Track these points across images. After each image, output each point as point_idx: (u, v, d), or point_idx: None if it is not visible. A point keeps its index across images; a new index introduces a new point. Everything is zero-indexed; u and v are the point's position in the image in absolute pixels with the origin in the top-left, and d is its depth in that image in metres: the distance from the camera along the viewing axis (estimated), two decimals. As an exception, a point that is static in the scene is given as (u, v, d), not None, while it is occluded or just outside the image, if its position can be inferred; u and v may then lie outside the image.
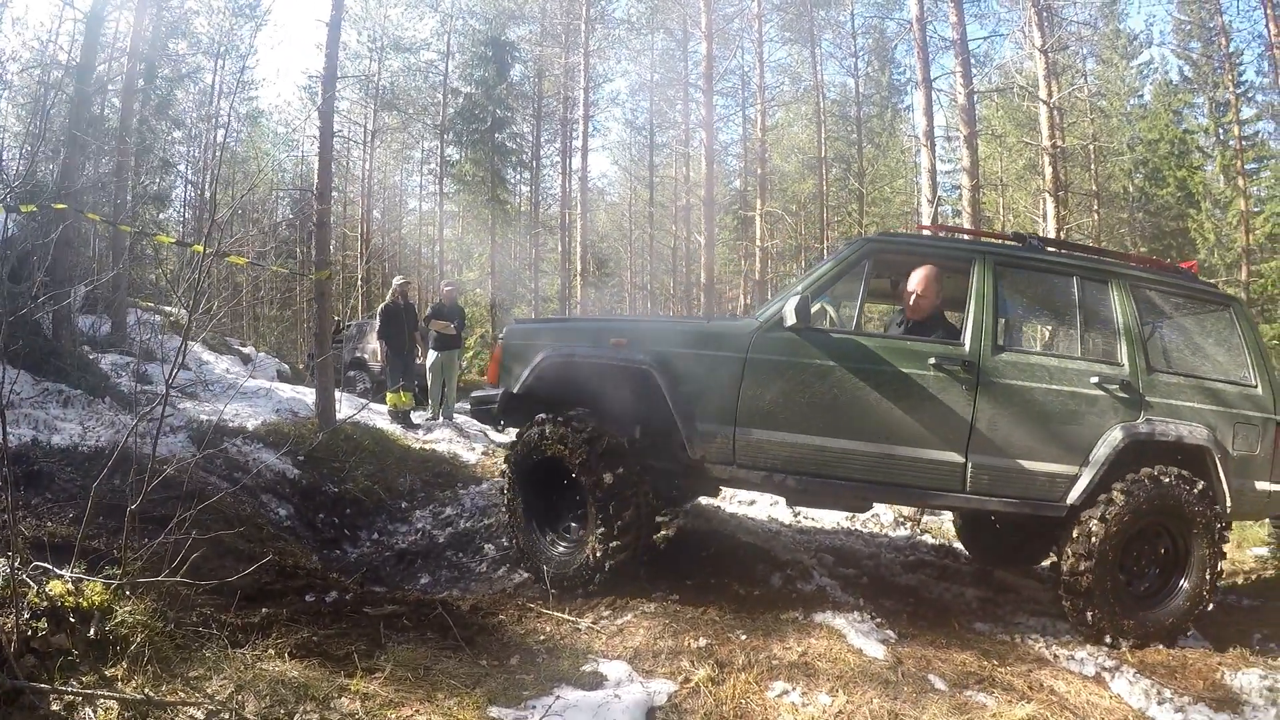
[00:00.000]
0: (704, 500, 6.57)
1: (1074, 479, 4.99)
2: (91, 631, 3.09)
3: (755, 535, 6.30)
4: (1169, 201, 27.26)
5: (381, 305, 12.31)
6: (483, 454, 10.35)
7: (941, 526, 8.19)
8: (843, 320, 6.35)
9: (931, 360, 4.91)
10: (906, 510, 8.25)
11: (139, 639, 3.11)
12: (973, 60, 17.71)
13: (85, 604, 3.17)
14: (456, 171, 29.36)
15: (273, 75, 72.02)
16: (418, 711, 3.10)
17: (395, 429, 10.64)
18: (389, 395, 11.42)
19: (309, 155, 32.36)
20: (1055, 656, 4.82)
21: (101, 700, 2.81)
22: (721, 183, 34.34)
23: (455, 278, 26.76)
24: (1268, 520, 7.47)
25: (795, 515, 7.89)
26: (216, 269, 18.64)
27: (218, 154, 28.22)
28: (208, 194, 28.09)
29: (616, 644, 4.04)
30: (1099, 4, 26.65)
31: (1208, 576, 5.13)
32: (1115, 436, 4.99)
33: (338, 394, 9.47)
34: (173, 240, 12.39)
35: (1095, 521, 4.92)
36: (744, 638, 4.21)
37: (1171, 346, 6.06)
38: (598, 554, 4.77)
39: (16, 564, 3.11)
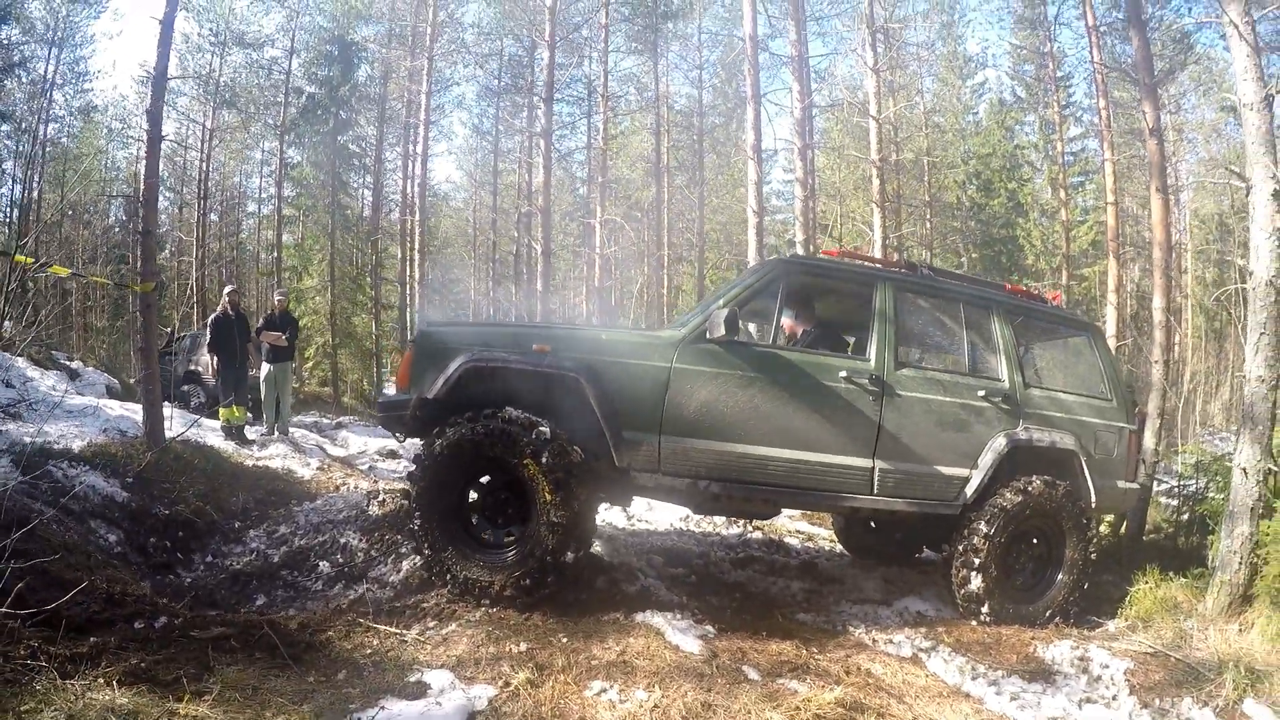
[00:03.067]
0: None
1: (966, 480, 5.57)
2: (-86, 670, 3.06)
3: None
4: (999, 211, 29.01)
5: (211, 316, 11.87)
6: (318, 469, 10.21)
7: (774, 524, 8.50)
8: (752, 336, 6.72)
9: (842, 374, 5.34)
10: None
11: (-35, 675, 3.07)
12: (814, 76, 18.46)
13: (-94, 642, 3.12)
14: (297, 174, 28.46)
15: (109, 67, 66.89)
16: (246, 730, 3.19)
17: (228, 446, 10.33)
18: (221, 410, 11.04)
19: (144, 153, 30.85)
20: (874, 641, 5.21)
21: (-73, 739, 2.81)
22: (566, 189, 34.50)
23: (295, 284, 25.99)
24: None
25: (629, 519, 8.11)
26: (44, 279, 17.56)
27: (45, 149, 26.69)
28: (34, 193, 26.42)
29: (441, 653, 4.17)
30: (937, 27, 28.39)
31: (1079, 569, 5.81)
32: (999, 443, 5.62)
33: (168, 410, 9.17)
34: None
35: (985, 518, 5.54)
36: (565, 640, 4.39)
37: (1041, 365, 6.87)
38: (551, 553, 4.74)
39: None
